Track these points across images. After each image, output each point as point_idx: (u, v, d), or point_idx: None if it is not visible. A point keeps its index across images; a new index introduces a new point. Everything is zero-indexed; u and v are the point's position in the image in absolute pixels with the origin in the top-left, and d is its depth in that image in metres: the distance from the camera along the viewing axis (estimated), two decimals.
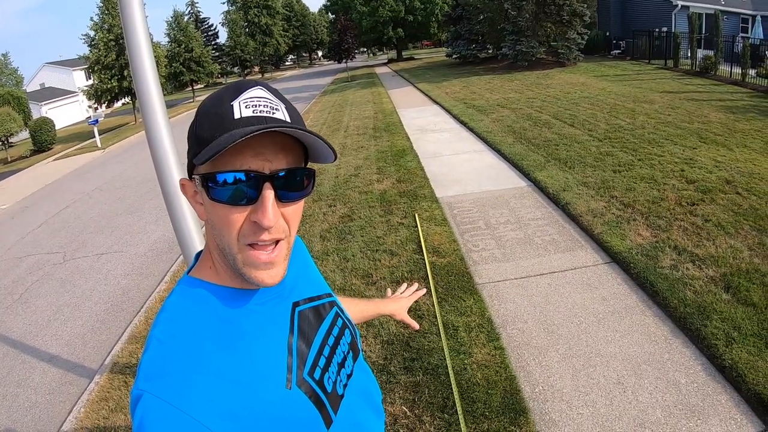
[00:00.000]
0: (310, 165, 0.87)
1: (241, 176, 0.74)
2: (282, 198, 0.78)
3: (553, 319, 3.84)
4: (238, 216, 0.76)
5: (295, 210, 0.82)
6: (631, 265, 4.34)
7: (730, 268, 4.11)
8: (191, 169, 0.81)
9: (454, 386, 3.18)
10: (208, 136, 0.74)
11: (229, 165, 0.74)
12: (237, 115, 0.74)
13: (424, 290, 1.75)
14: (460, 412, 2.97)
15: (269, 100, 0.78)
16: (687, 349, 3.36)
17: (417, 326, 1.63)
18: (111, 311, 5.44)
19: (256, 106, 0.76)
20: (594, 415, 2.89)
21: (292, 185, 0.79)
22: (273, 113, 0.77)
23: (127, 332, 4.77)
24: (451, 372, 3.31)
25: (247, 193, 0.75)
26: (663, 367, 3.19)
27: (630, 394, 3.00)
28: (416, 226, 5.76)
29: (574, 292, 4.19)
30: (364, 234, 5.81)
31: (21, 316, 5.71)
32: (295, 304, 0.92)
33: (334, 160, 0.84)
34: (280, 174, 0.77)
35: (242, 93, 0.77)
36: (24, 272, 7.16)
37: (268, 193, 0.75)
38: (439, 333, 3.73)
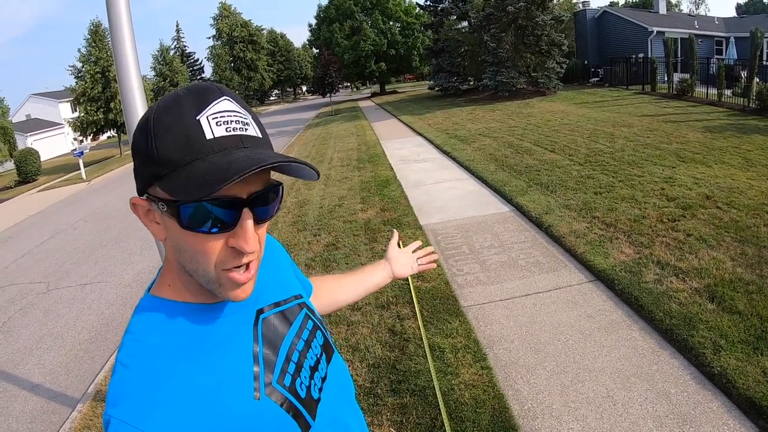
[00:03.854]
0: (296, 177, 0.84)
1: (219, 202, 0.70)
2: (259, 219, 0.75)
3: (539, 338, 3.83)
4: (215, 243, 0.72)
5: (265, 227, 0.80)
6: (615, 281, 4.37)
7: (714, 278, 4.16)
8: (144, 187, 0.74)
9: (442, 407, 3.14)
10: (177, 159, 0.68)
11: None
12: (209, 135, 0.69)
13: (434, 264, 1.63)
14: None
15: (239, 114, 0.74)
16: (675, 359, 3.37)
17: (433, 265, 1.59)
18: (95, 341, 5.33)
19: (227, 122, 0.71)
20: (585, 430, 2.86)
21: (267, 204, 0.77)
22: (245, 130, 0.73)
23: (110, 361, 4.68)
24: (438, 393, 3.27)
25: (224, 219, 0.71)
26: (652, 379, 3.20)
27: (620, 407, 2.99)
28: None
29: (560, 310, 4.19)
30: (348, 261, 5.80)
31: (3, 345, 5.58)
32: (259, 312, 0.88)
33: (318, 178, 0.82)
34: (256, 195, 0.74)
35: (207, 106, 0.71)
36: (6, 301, 7.03)
37: (248, 219, 0.72)
38: (426, 355, 3.71)
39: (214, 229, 0.71)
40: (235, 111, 0.73)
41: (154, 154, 0.70)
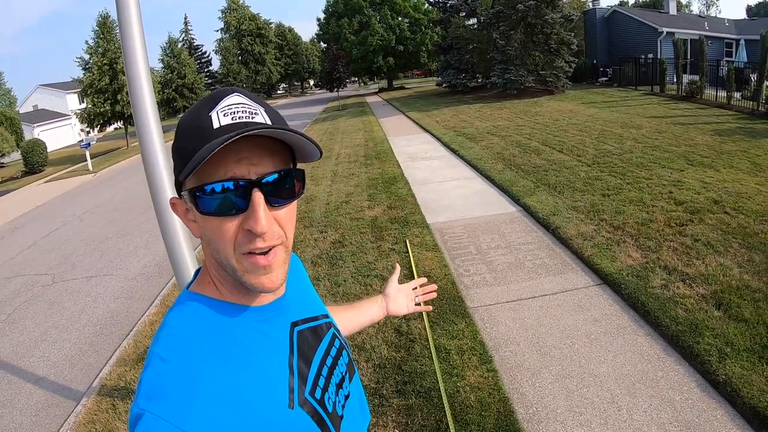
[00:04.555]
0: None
1: (228, 185, 0.73)
2: (272, 202, 0.76)
3: (545, 341, 3.83)
4: (231, 225, 0.75)
5: (288, 213, 0.81)
6: (622, 286, 4.36)
7: (721, 285, 4.15)
8: (179, 186, 0.79)
9: (447, 409, 3.15)
10: (190, 150, 0.72)
11: (214, 175, 0.73)
12: (216, 125, 0.73)
13: (430, 307, 1.65)
14: None
15: (247, 105, 0.77)
16: (680, 366, 3.37)
17: (429, 308, 1.60)
18: (100, 334, 5.36)
19: (234, 113, 0.75)
20: None
21: (282, 188, 0.78)
22: (252, 117, 0.75)
23: (115, 355, 4.69)
24: (443, 395, 3.28)
25: (236, 201, 0.74)
26: (657, 385, 3.19)
27: (625, 413, 2.99)
28: (407, 252, 5.76)
29: (566, 314, 4.19)
30: (355, 259, 5.81)
31: (8, 337, 5.62)
32: (294, 324, 0.90)
33: (320, 156, 0.84)
34: (268, 178, 0.76)
35: (219, 102, 0.76)
36: (12, 293, 7.08)
37: (258, 200, 0.74)
38: (431, 356, 3.71)
39: (230, 212, 0.74)
40: (243, 103, 0.77)
41: (177, 152, 0.77)
